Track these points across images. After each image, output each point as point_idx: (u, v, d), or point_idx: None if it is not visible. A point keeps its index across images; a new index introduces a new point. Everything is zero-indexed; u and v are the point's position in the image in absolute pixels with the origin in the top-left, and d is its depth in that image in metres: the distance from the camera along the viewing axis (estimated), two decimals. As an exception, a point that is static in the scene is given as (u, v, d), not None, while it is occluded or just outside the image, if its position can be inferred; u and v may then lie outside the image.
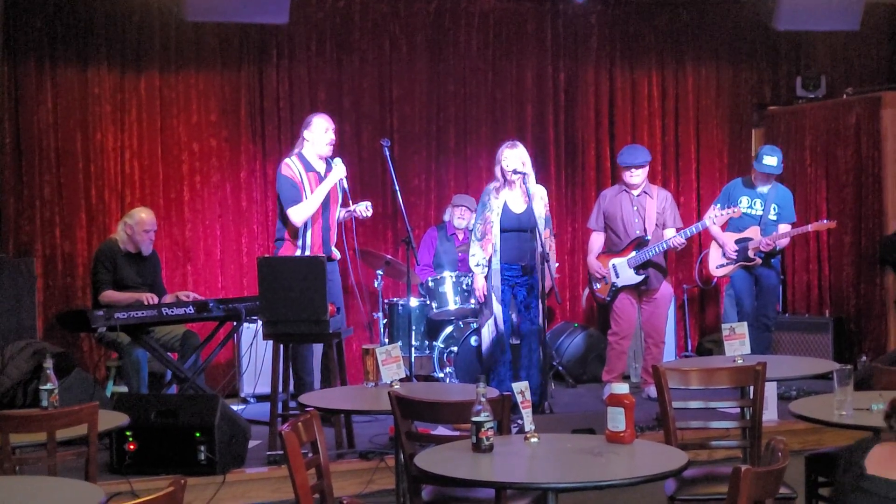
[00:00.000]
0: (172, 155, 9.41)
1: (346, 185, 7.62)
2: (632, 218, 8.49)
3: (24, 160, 9.02)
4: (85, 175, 9.15)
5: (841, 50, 10.91)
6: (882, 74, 10.90)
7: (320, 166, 7.60)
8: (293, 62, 9.69)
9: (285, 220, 7.56)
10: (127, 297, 7.96)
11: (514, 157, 7.82)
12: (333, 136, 7.65)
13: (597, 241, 8.68)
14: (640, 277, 8.45)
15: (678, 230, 8.45)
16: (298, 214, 7.48)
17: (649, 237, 8.41)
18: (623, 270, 8.48)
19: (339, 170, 7.54)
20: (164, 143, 9.39)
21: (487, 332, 7.93)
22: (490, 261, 7.86)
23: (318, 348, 7.81)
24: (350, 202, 7.62)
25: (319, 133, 7.59)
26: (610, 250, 8.60)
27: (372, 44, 9.87)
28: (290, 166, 7.53)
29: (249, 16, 7.74)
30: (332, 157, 7.62)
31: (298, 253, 7.47)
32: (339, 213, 7.71)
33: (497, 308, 7.87)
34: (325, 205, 7.57)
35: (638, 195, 8.51)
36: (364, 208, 7.61)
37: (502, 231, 7.85)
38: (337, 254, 7.72)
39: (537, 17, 10.27)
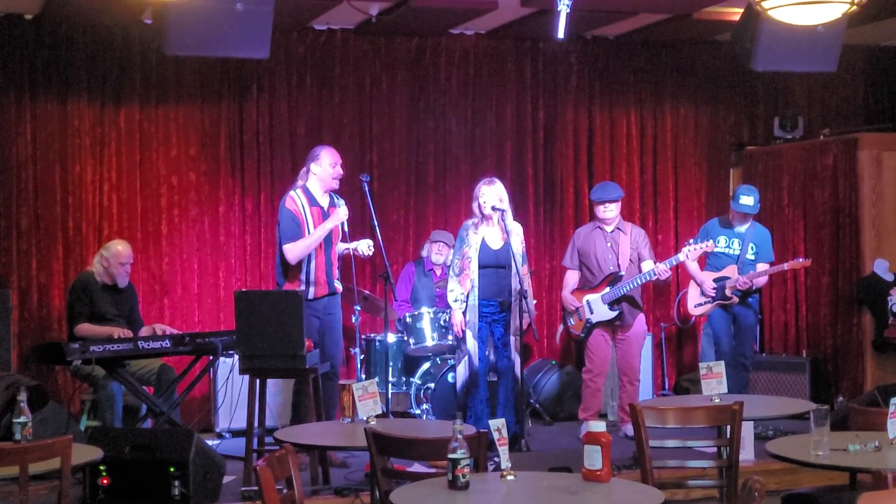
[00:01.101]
0: (151, 188, 9.39)
1: (346, 228, 7.67)
2: (606, 254, 8.51)
3: (1, 192, 8.99)
4: (63, 207, 9.12)
5: (818, 91, 11.00)
6: (859, 116, 11.00)
7: (324, 201, 7.66)
8: (273, 97, 9.70)
9: (283, 256, 7.62)
10: (101, 331, 7.92)
11: (492, 193, 7.87)
12: (341, 172, 7.71)
13: (571, 278, 8.71)
14: (615, 313, 8.47)
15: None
16: (294, 252, 7.51)
17: (623, 273, 8.44)
18: (597, 306, 8.49)
19: (342, 212, 7.59)
20: (142, 177, 9.37)
21: (462, 370, 7.93)
22: (468, 296, 7.87)
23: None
24: (348, 240, 7.68)
25: (326, 167, 7.65)
26: (584, 287, 8.62)
27: (352, 79, 9.89)
28: (295, 200, 7.57)
29: (230, 51, 7.73)
30: (338, 194, 7.66)
31: (302, 289, 7.46)
32: (339, 245, 7.77)
33: (472, 345, 7.88)
34: (328, 239, 7.61)
35: (611, 231, 8.54)
36: (366, 247, 7.67)
37: (480, 267, 7.87)
38: (339, 286, 7.77)
39: (517, 55, 10.31)
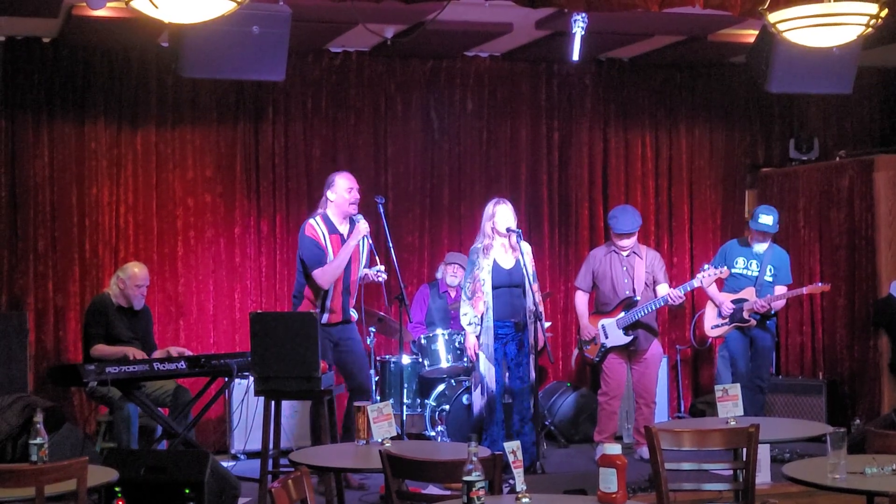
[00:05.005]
0: (167, 210, 9.42)
1: (371, 243, 7.70)
2: (622, 278, 8.50)
3: (18, 214, 9.03)
4: (79, 229, 9.16)
5: (834, 113, 10.99)
6: (874, 137, 10.98)
7: (343, 228, 7.73)
8: (289, 119, 9.73)
9: (306, 278, 7.65)
10: (115, 351, 7.94)
11: (505, 213, 7.90)
12: (358, 196, 7.74)
13: (582, 299, 8.69)
14: (629, 338, 8.45)
15: (673, 286, 8.47)
16: (324, 277, 7.58)
17: (638, 297, 8.42)
18: (612, 331, 8.48)
19: (362, 227, 7.62)
20: (158, 198, 9.41)
21: (479, 392, 7.92)
22: (482, 319, 7.87)
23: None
24: (377, 260, 7.74)
25: (342, 193, 7.71)
26: (599, 310, 8.61)
27: (367, 101, 9.92)
28: (314, 227, 7.63)
29: (246, 73, 7.78)
30: (355, 215, 7.69)
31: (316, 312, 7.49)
32: (361, 271, 7.82)
33: (486, 367, 7.87)
34: (347, 268, 7.65)
35: (627, 256, 8.53)
36: (375, 273, 7.72)
37: (494, 288, 7.87)
38: (355, 315, 7.82)
39: (532, 77, 10.33)
